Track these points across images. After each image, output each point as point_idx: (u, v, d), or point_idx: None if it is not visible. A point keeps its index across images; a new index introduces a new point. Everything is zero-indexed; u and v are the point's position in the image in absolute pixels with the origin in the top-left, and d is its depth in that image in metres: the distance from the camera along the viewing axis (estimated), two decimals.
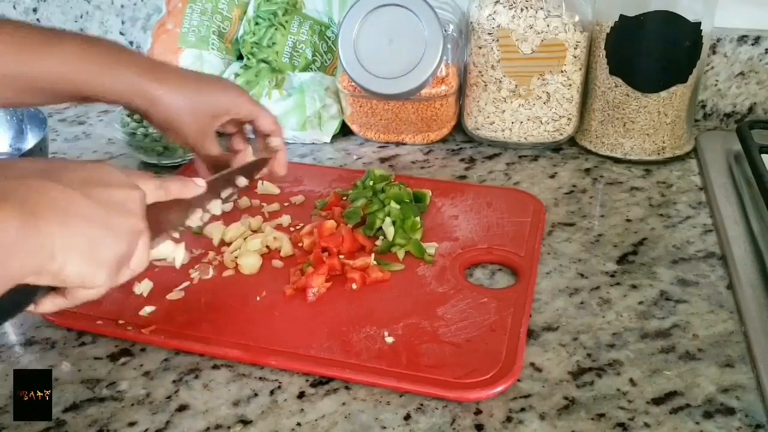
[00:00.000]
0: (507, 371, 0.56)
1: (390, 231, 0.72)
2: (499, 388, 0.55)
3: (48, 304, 0.48)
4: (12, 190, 0.41)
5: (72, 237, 0.43)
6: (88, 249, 0.44)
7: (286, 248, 0.71)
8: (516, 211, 0.78)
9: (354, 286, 0.66)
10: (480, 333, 0.60)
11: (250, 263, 0.68)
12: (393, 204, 0.74)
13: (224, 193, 0.64)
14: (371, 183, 0.79)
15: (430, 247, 0.71)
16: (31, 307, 0.47)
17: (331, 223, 0.71)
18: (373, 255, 0.69)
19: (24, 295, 0.44)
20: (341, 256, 0.68)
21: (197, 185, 0.58)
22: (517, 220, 0.76)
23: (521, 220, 0.76)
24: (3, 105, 0.67)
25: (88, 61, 0.61)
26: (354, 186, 0.81)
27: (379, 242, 0.72)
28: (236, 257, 0.69)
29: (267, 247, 0.71)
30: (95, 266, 0.45)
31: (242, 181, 0.67)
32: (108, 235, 0.46)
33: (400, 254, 0.70)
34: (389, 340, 0.59)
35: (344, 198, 0.79)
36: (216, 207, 0.62)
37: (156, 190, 0.53)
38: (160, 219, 0.54)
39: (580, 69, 0.89)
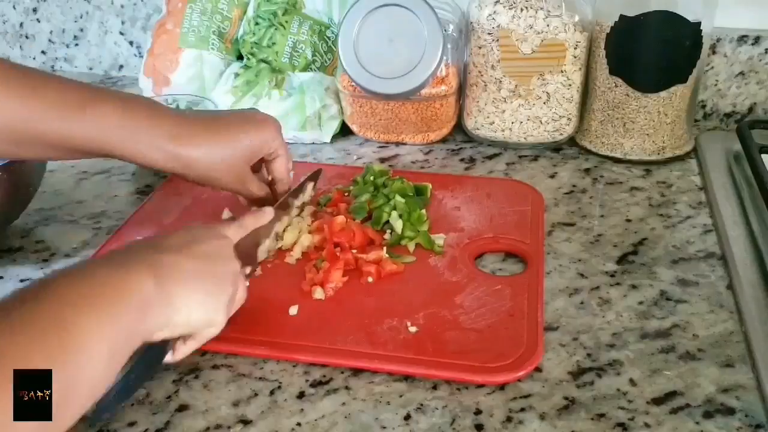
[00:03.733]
0: (531, 354, 0.58)
1: (399, 224, 0.73)
2: (527, 370, 0.56)
3: (182, 350, 0.55)
4: (141, 259, 0.49)
5: (190, 292, 0.51)
6: (204, 298, 0.53)
7: (305, 244, 0.71)
8: (515, 200, 0.79)
9: (370, 279, 0.67)
10: (499, 318, 0.62)
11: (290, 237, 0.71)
12: (398, 198, 0.75)
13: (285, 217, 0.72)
14: (371, 178, 0.80)
15: (439, 239, 0.72)
16: (169, 358, 0.55)
17: (341, 219, 0.72)
18: (384, 248, 0.70)
19: (159, 352, 0.54)
20: (354, 251, 0.69)
21: (266, 214, 0.65)
22: (517, 209, 0.78)
23: (521, 209, 0.78)
24: (32, 158, 0.68)
25: (121, 127, 0.61)
26: (354, 182, 0.81)
27: (387, 236, 0.73)
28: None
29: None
30: (213, 310, 0.54)
31: (295, 203, 0.74)
32: (216, 283, 0.54)
33: (411, 246, 0.71)
34: (413, 329, 0.61)
35: (346, 194, 0.79)
36: (281, 227, 0.71)
37: (237, 230, 0.60)
38: (246, 252, 0.61)
39: (580, 69, 0.89)
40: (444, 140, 0.97)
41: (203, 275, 0.53)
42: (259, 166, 0.71)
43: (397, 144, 0.96)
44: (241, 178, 0.68)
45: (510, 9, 0.87)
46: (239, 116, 0.71)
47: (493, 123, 0.93)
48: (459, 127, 0.97)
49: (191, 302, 0.51)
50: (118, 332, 0.44)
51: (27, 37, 1.23)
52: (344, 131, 0.98)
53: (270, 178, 0.72)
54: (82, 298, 0.43)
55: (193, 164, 0.64)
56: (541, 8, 0.86)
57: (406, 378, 0.57)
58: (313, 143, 0.96)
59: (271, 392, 0.56)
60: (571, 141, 0.95)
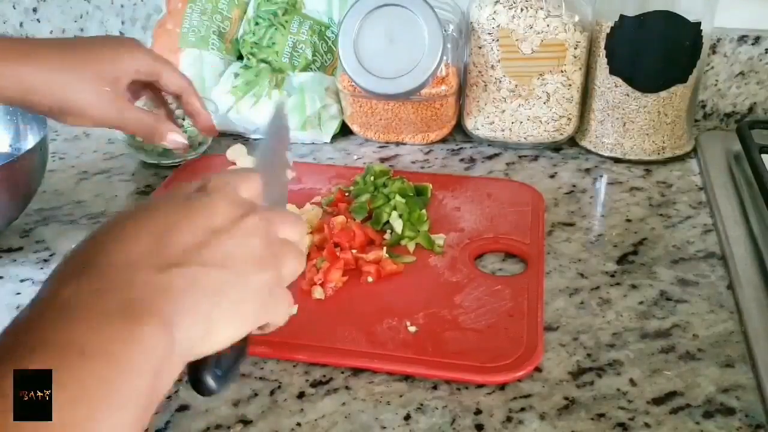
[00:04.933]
0: (531, 354, 0.58)
1: (398, 224, 0.73)
2: (527, 370, 0.57)
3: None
4: (141, 300, 0.35)
5: (213, 317, 0.37)
6: (232, 313, 0.38)
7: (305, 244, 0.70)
8: (515, 201, 0.79)
9: (370, 279, 0.67)
10: (499, 319, 0.62)
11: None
12: (398, 198, 0.75)
13: None
14: (372, 178, 0.80)
15: (439, 239, 0.72)
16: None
17: (341, 219, 0.72)
18: (384, 248, 0.70)
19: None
20: (353, 251, 0.69)
21: None
22: (517, 209, 0.78)
23: (522, 210, 0.78)
24: None
25: None
26: (354, 182, 0.81)
27: (387, 236, 0.73)
28: None
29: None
30: (253, 314, 0.40)
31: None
32: (247, 283, 0.39)
33: (411, 246, 0.71)
34: (412, 329, 0.61)
35: (347, 194, 0.80)
36: None
37: (249, 181, 0.44)
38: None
39: (580, 69, 0.89)
40: (444, 140, 0.97)
41: (227, 285, 0.38)
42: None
43: (397, 144, 0.96)
44: (115, 105, 0.61)
45: (510, 9, 0.87)
46: (99, 39, 0.66)
47: (493, 123, 0.93)
48: (459, 127, 0.97)
49: (218, 327, 0.38)
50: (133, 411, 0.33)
51: (27, 37, 1.22)
52: (344, 131, 0.98)
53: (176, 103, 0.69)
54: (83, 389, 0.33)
55: (40, 89, 0.58)
56: (541, 8, 0.86)
57: (406, 378, 0.57)
58: (313, 143, 0.96)
59: (271, 392, 0.56)
60: (571, 141, 0.95)
